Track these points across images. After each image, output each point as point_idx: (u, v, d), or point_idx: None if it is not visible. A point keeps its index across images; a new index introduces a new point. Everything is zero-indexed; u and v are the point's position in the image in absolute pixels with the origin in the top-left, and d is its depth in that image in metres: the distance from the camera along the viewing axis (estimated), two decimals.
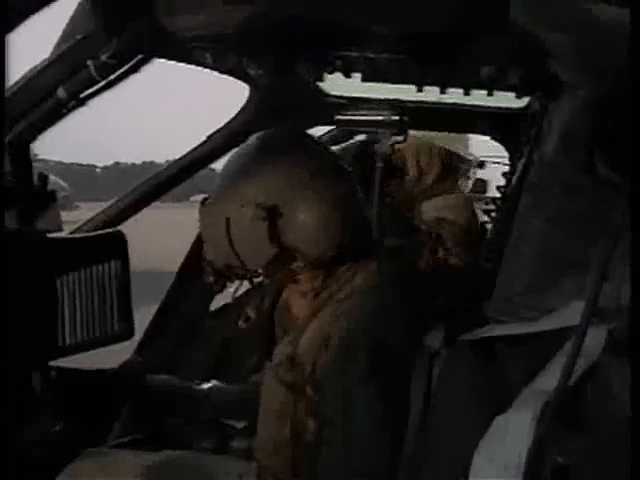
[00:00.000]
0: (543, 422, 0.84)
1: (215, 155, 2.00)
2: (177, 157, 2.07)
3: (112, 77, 1.26)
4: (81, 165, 47.31)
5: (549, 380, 0.88)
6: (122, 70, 1.26)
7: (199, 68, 1.58)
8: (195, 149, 2.02)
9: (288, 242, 1.30)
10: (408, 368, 1.18)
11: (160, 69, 1.51)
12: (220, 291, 1.49)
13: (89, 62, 1.19)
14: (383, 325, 1.26)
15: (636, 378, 0.77)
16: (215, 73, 1.63)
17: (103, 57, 1.18)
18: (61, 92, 1.28)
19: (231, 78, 1.76)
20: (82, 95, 1.31)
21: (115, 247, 1.65)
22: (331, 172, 1.34)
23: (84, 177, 41.86)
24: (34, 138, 1.41)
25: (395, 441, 1.15)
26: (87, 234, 1.79)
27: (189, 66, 1.57)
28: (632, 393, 0.77)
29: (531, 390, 0.92)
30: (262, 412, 1.35)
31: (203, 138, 2.01)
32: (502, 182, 2.18)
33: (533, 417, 0.85)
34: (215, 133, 2.00)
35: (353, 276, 1.34)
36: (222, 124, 2.01)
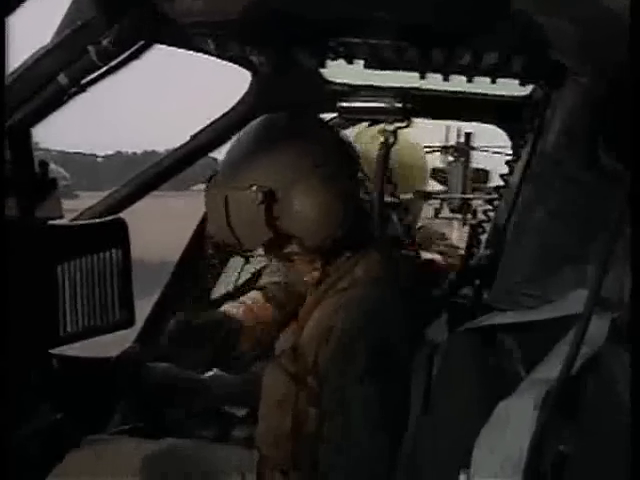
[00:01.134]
0: (544, 411, 0.83)
1: (216, 143, 1.99)
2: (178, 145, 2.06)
3: (113, 63, 1.25)
4: (83, 154, 47.23)
5: (550, 369, 0.87)
6: (123, 56, 1.25)
7: (201, 56, 1.57)
8: (196, 137, 2.01)
9: (285, 228, 1.30)
10: (408, 364, 1.18)
11: (162, 57, 1.50)
12: (221, 267, 1.53)
13: (90, 48, 1.18)
14: (383, 322, 1.25)
15: (636, 376, 0.76)
16: (217, 60, 1.62)
17: (104, 42, 1.17)
18: (62, 78, 1.27)
19: (233, 66, 1.75)
20: (83, 81, 1.30)
21: (116, 235, 1.64)
22: (336, 160, 1.33)
23: (86, 166, 41.79)
24: (35, 125, 1.40)
25: (394, 438, 1.15)
26: (88, 221, 1.78)
27: (191, 54, 1.55)
28: (632, 393, 0.77)
29: (532, 380, 0.92)
30: (263, 402, 1.35)
31: (198, 129, 1.99)
32: (506, 170, 2.16)
33: (535, 406, 0.85)
34: (217, 121, 1.99)
35: (354, 265, 1.33)
36: (224, 112, 2.00)
